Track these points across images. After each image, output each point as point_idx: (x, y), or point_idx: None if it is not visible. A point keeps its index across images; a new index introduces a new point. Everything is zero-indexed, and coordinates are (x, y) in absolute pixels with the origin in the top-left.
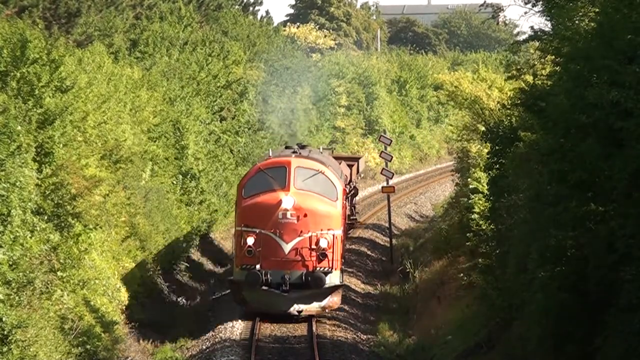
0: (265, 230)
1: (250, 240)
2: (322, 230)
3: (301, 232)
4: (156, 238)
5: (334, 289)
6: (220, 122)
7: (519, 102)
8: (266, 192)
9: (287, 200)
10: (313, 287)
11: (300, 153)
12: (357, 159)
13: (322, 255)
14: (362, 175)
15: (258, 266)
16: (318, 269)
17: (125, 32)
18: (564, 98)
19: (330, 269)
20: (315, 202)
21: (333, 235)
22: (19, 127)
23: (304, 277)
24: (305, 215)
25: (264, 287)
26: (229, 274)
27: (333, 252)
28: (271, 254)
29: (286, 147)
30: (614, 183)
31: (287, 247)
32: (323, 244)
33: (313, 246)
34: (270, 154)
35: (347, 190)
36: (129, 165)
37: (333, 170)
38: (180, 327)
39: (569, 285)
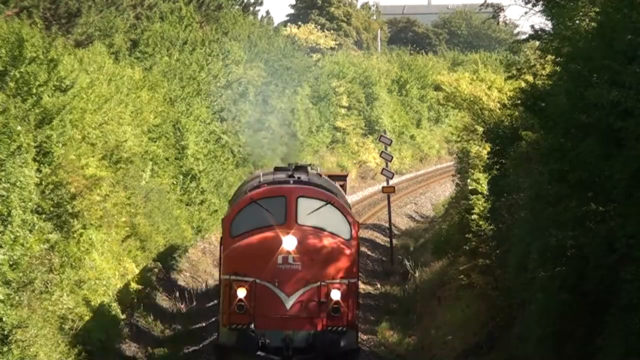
0: (260, 279)
1: (241, 293)
2: (333, 278)
3: (307, 281)
4: (156, 238)
5: (350, 355)
6: (221, 122)
7: (519, 101)
8: (261, 229)
9: (289, 241)
10: (323, 352)
11: (299, 178)
12: (344, 177)
13: (334, 310)
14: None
15: (252, 326)
16: (329, 328)
17: (125, 32)
18: (564, 98)
19: (344, 329)
20: (324, 241)
21: (348, 285)
22: (19, 127)
23: (311, 340)
24: (313, 260)
25: (259, 353)
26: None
27: (348, 307)
28: (269, 310)
29: (276, 169)
30: (614, 183)
31: (289, 301)
32: (335, 296)
33: (323, 299)
34: (261, 179)
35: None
36: (130, 165)
37: (342, 199)
38: None
39: (569, 285)
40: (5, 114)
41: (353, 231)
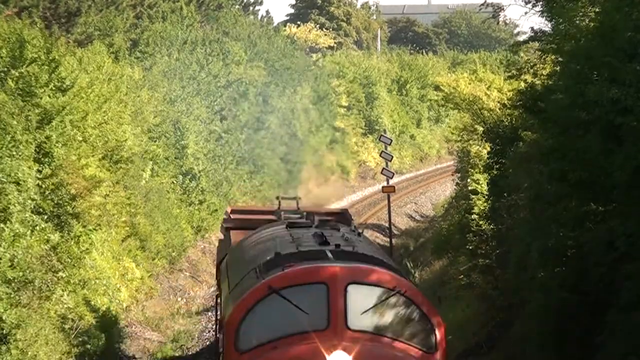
0: None
1: None
2: None
3: None
4: (156, 238)
5: None
6: (221, 122)
7: (518, 103)
8: (289, 339)
9: (338, 359)
10: None
11: (339, 245)
12: (347, 216)
13: None
14: None
15: None
16: None
17: (125, 32)
18: (564, 96)
19: None
20: (394, 357)
21: None
22: (15, 122)
23: None
24: None
25: None
26: None
27: None
28: None
29: (290, 225)
30: (614, 182)
31: None
32: None
33: None
34: (278, 247)
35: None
36: (130, 165)
37: (410, 281)
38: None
39: (569, 285)
40: (1, 110)
41: (438, 336)
